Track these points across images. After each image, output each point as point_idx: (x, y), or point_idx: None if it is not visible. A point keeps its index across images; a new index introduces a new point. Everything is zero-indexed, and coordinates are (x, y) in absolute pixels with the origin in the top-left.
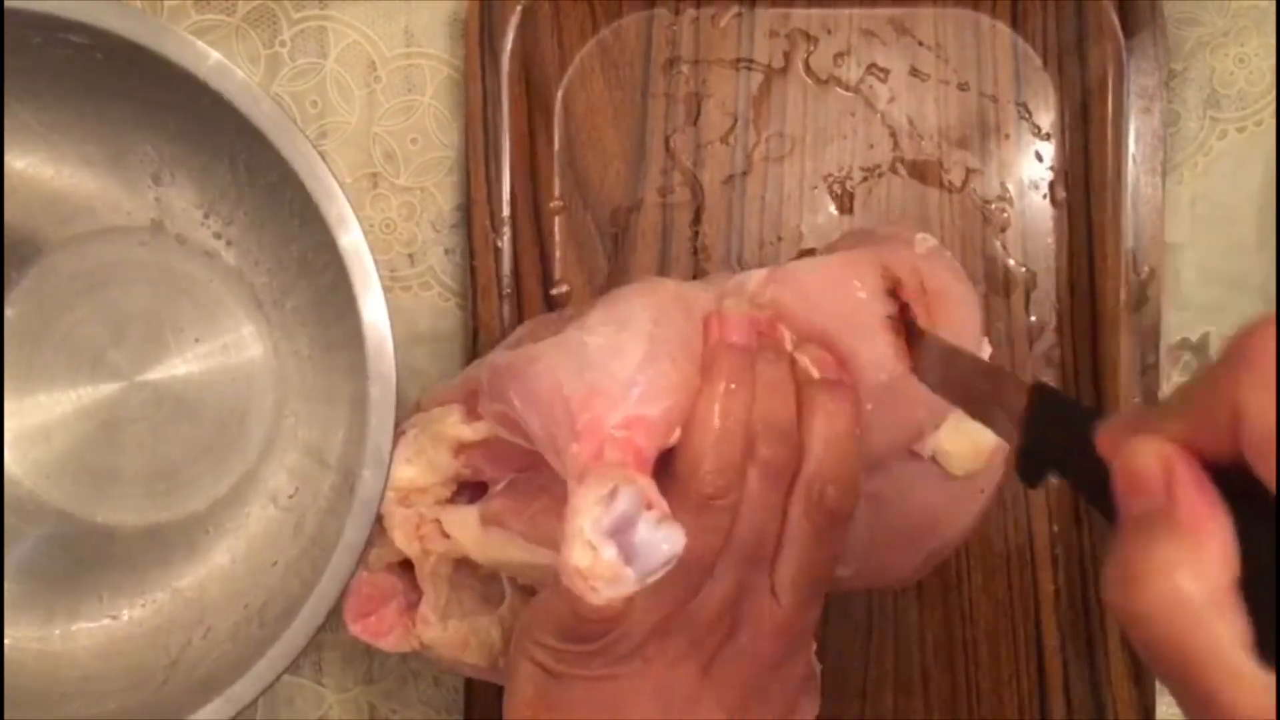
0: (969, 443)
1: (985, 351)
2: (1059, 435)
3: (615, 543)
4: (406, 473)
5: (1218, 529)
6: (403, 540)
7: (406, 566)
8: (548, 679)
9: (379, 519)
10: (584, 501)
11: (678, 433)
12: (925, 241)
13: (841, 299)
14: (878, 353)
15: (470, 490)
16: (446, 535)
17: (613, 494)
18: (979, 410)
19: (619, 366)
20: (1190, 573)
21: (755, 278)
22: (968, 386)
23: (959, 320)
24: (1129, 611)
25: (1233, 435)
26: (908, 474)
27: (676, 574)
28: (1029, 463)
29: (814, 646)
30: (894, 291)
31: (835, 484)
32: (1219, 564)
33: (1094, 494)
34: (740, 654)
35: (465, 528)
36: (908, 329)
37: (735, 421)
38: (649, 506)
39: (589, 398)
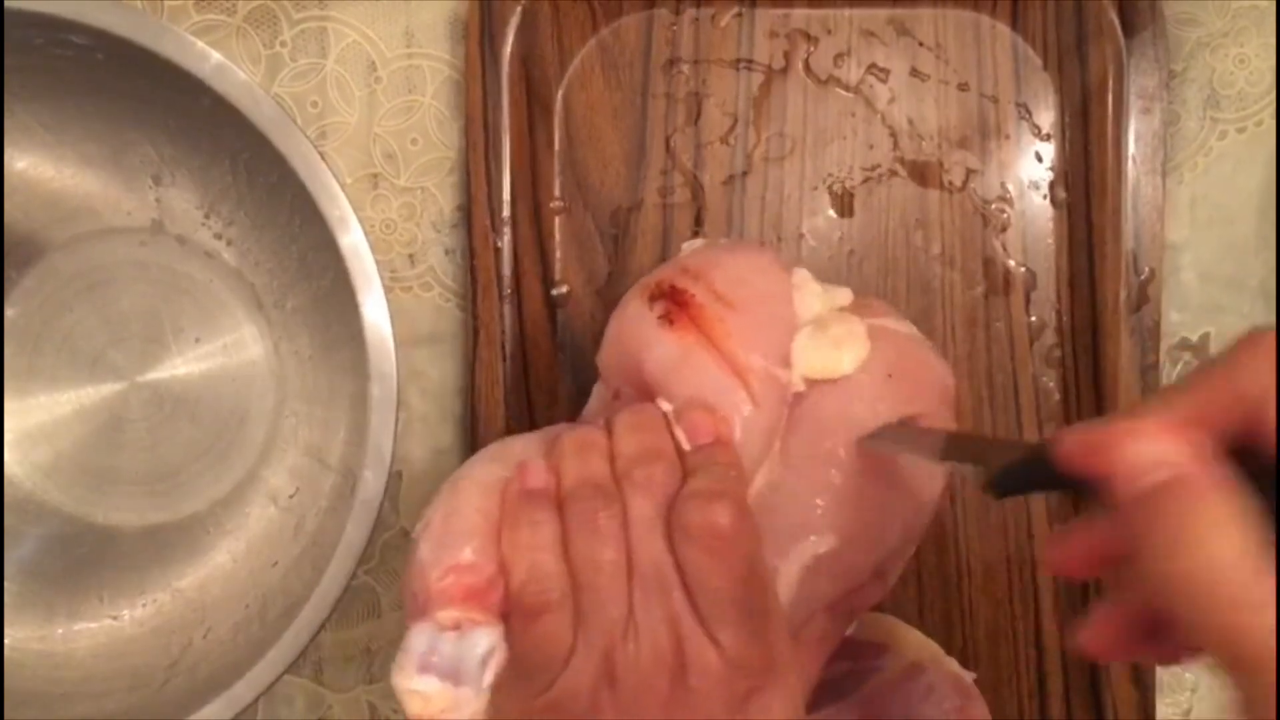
0: (827, 340)
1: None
2: (1025, 464)
3: (434, 674)
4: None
5: (1238, 490)
6: None
7: None
8: None
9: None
10: (395, 663)
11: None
12: (692, 244)
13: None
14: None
15: None
16: None
17: (406, 641)
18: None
19: (431, 535)
20: (1234, 528)
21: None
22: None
23: (760, 306)
24: (1173, 572)
25: (1239, 416)
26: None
27: (594, 614)
28: (997, 485)
29: (803, 687)
30: (655, 296)
31: (712, 501)
32: (1250, 521)
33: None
34: (694, 696)
35: None
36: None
37: (533, 549)
38: (455, 627)
39: (423, 575)
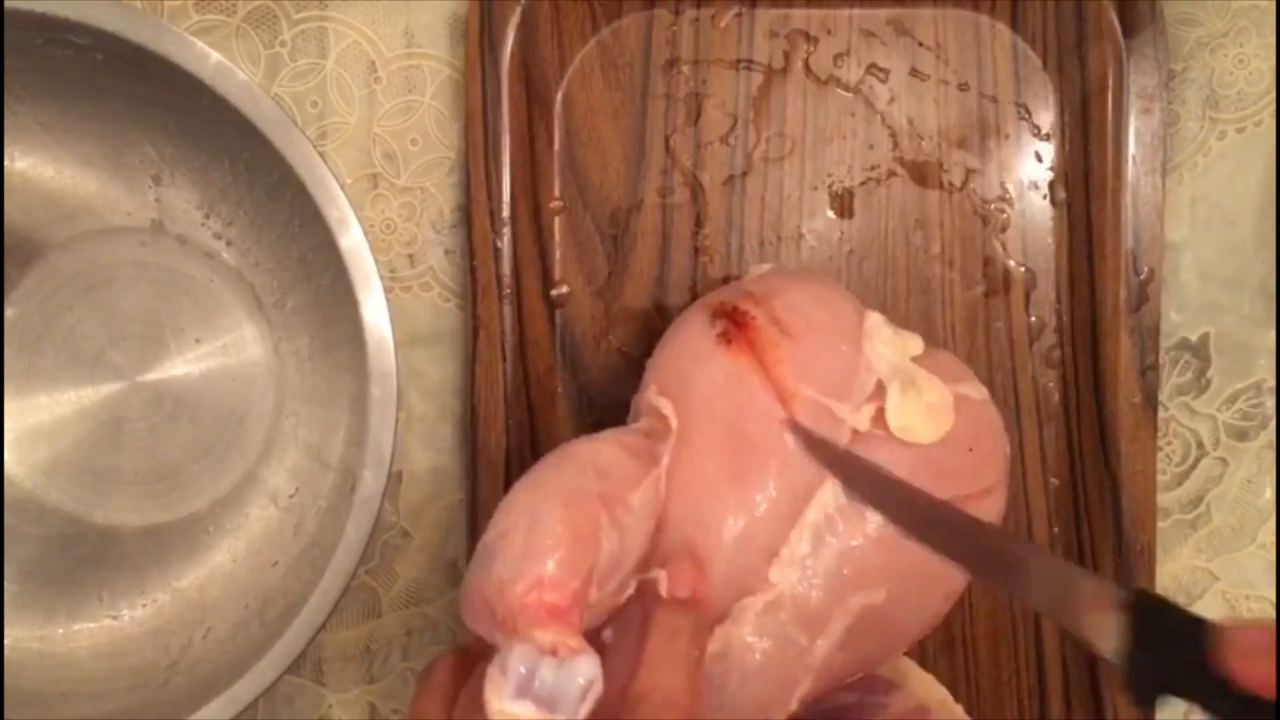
0: (921, 406)
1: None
2: (1170, 656)
3: (531, 700)
4: None
5: None
6: None
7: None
8: None
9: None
10: (489, 680)
11: (604, 564)
12: (759, 268)
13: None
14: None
15: None
16: None
17: (504, 661)
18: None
19: (510, 545)
20: None
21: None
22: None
23: (817, 337)
24: None
25: None
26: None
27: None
28: (1140, 688)
29: None
30: (717, 314)
31: (657, 697)
32: None
33: (1224, 710)
34: None
35: None
36: (739, 335)
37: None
38: (554, 652)
39: (501, 589)
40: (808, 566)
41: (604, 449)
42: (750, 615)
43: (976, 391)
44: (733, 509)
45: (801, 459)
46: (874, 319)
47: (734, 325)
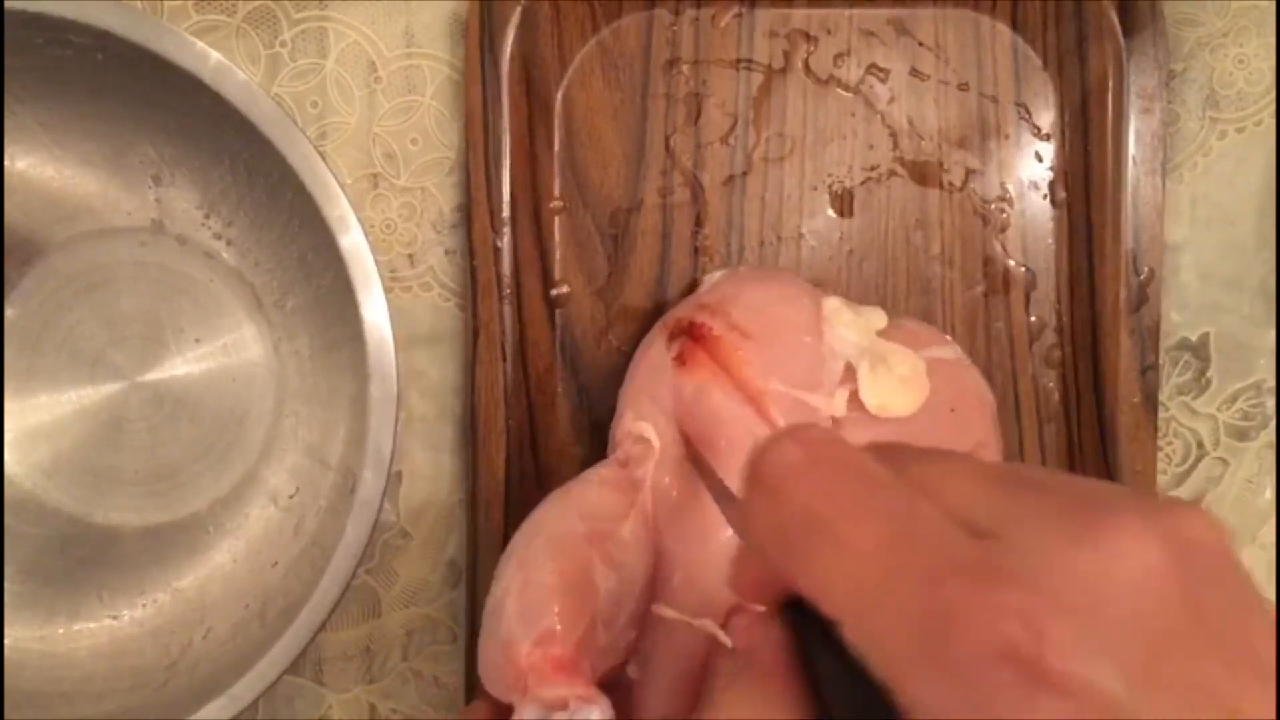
0: (893, 380)
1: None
2: None
3: None
4: None
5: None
6: None
7: None
8: None
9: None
10: None
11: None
12: (712, 276)
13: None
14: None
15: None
16: None
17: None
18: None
19: (509, 611)
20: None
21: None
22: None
23: (777, 333)
24: None
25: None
26: None
27: None
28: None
29: None
30: (674, 334)
31: None
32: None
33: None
34: None
35: None
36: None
37: None
38: (563, 706)
39: (507, 653)
40: None
41: (586, 490)
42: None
43: (948, 351)
44: (724, 519)
45: None
46: (831, 303)
47: (691, 340)
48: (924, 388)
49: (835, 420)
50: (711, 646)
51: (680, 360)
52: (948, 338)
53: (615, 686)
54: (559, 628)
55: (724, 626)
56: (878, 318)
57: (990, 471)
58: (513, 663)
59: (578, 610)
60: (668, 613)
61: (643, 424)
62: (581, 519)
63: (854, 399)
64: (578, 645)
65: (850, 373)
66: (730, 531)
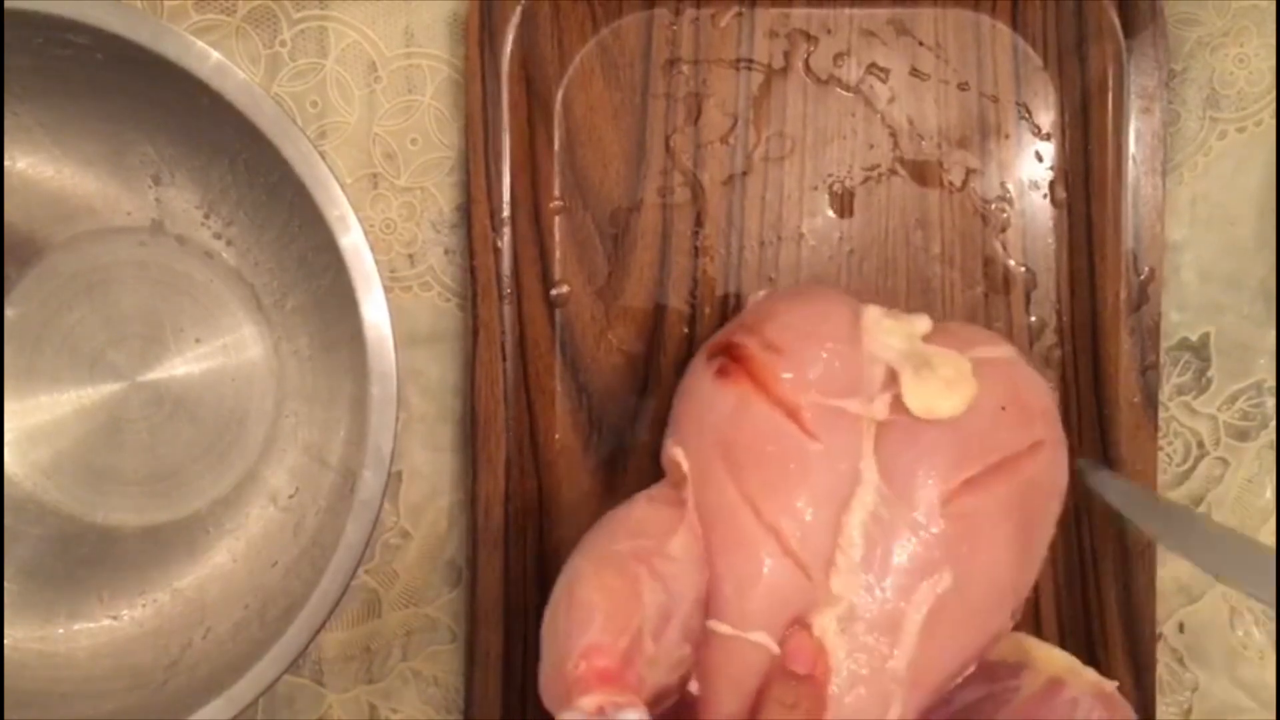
0: (937, 382)
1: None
2: None
3: None
4: None
5: None
6: None
7: None
8: None
9: None
10: None
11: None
12: (757, 296)
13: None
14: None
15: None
16: None
17: None
18: None
19: (557, 630)
20: None
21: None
22: None
23: (810, 346)
24: None
25: None
26: None
27: None
28: None
29: None
30: (713, 353)
31: None
32: None
33: None
34: None
35: None
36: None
37: None
38: (599, 712)
39: (556, 671)
40: (867, 568)
41: (633, 510)
42: (830, 636)
43: (998, 350)
44: (771, 532)
45: (830, 464)
46: (871, 312)
47: (730, 359)
48: (970, 388)
49: (881, 425)
50: (768, 661)
51: (723, 373)
52: (1000, 337)
53: (680, 704)
54: (603, 641)
55: (780, 642)
56: (922, 323)
57: None
58: (563, 678)
59: (622, 623)
60: (722, 628)
61: (677, 449)
62: (629, 536)
63: (897, 403)
64: (622, 657)
65: (893, 378)
66: (773, 543)
